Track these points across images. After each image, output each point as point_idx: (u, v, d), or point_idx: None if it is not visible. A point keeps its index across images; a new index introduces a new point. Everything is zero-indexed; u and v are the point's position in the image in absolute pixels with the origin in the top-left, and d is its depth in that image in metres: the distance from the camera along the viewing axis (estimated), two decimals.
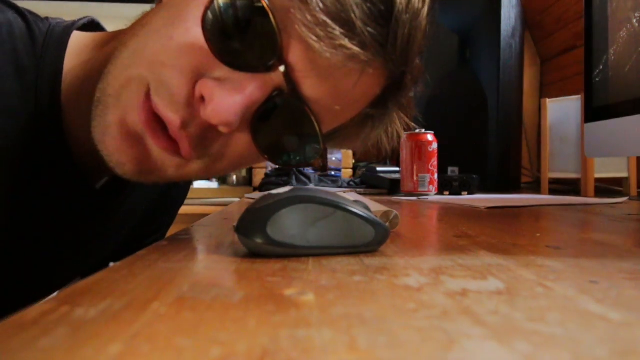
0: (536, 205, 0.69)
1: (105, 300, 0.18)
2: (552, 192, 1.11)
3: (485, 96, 1.21)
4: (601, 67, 0.63)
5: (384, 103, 0.41)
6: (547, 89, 1.71)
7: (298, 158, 0.38)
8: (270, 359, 0.13)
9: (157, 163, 0.36)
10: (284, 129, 0.37)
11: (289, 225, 0.27)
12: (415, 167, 0.92)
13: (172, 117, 0.33)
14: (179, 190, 0.67)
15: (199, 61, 0.33)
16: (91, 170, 0.44)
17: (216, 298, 0.19)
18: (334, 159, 1.41)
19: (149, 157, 0.36)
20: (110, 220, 0.51)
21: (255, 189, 1.43)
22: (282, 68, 0.33)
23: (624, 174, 1.03)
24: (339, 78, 0.34)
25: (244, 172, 1.66)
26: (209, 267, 0.25)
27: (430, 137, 0.93)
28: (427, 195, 0.91)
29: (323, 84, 0.34)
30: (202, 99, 0.33)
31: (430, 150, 0.92)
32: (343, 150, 1.44)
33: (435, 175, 0.93)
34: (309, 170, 1.29)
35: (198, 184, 1.59)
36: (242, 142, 0.37)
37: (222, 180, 1.67)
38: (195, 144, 0.35)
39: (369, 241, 0.29)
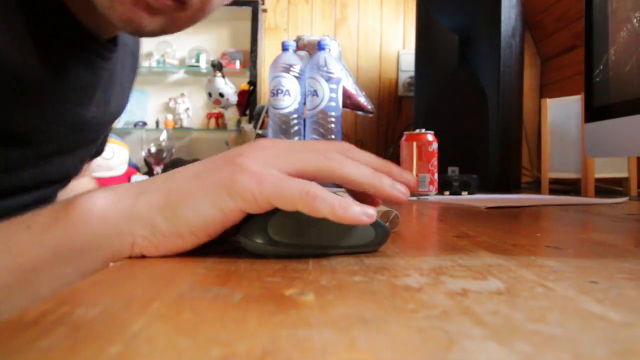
0: (536, 205, 0.69)
1: (105, 300, 0.18)
2: (552, 192, 1.11)
3: (485, 96, 1.21)
4: (601, 67, 0.63)
5: None
6: (547, 89, 1.71)
7: None
8: (270, 359, 0.13)
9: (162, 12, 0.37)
10: None
11: (290, 225, 0.27)
12: (415, 167, 0.92)
13: None
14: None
15: None
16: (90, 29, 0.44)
17: (216, 298, 0.19)
18: None
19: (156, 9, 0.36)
20: (109, 78, 0.51)
21: None
22: None
23: (624, 174, 1.03)
24: None
25: None
26: (209, 267, 0.25)
27: (430, 137, 0.93)
28: (427, 195, 0.91)
29: None
30: None
31: (430, 150, 0.92)
32: None
33: (436, 175, 0.93)
34: None
35: None
36: None
37: None
38: None
39: (369, 241, 0.29)
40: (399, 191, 0.28)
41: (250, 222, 0.27)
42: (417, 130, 0.94)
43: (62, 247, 0.25)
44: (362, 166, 0.28)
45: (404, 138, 0.95)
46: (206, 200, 0.26)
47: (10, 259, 0.25)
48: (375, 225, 0.29)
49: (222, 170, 0.27)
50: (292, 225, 0.27)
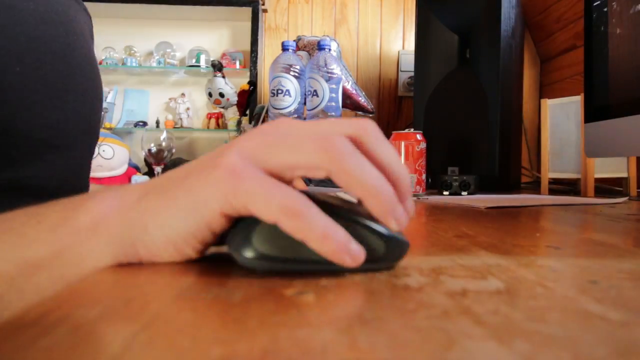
0: (536, 205, 0.69)
1: (105, 300, 0.18)
2: (552, 192, 1.11)
3: (485, 96, 1.21)
4: (601, 67, 0.63)
5: None
6: (547, 89, 1.71)
7: None
8: (270, 359, 0.13)
9: None
10: None
11: (280, 235, 0.22)
12: None
13: None
14: None
15: None
16: None
17: (216, 298, 0.19)
18: None
19: None
20: None
21: None
22: None
23: (624, 174, 1.03)
24: None
25: None
26: (209, 266, 0.25)
27: (419, 136, 0.91)
28: (416, 195, 0.91)
29: None
30: None
31: (418, 150, 0.90)
32: None
33: (424, 176, 0.92)
34: None
35: None
36: None
37: None
38: None
39: (378, 257, 0.23)
40: (398, 219, 0.24)
41: (235, 229, 0.23)
42: (406, 130, 0.93)
43: (66, 248, 0.25)
44: (367, 174, 0.23)
45: (391, 137, 0.93)
46: (188, 206, 0.24)
47: (16, 252, 0.25)
48: (385, 237, 0.23)
49: (202, 170, 0.24)
50: (283, 234, 0.22)
